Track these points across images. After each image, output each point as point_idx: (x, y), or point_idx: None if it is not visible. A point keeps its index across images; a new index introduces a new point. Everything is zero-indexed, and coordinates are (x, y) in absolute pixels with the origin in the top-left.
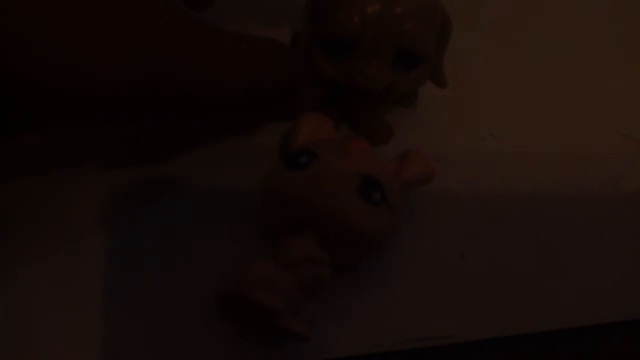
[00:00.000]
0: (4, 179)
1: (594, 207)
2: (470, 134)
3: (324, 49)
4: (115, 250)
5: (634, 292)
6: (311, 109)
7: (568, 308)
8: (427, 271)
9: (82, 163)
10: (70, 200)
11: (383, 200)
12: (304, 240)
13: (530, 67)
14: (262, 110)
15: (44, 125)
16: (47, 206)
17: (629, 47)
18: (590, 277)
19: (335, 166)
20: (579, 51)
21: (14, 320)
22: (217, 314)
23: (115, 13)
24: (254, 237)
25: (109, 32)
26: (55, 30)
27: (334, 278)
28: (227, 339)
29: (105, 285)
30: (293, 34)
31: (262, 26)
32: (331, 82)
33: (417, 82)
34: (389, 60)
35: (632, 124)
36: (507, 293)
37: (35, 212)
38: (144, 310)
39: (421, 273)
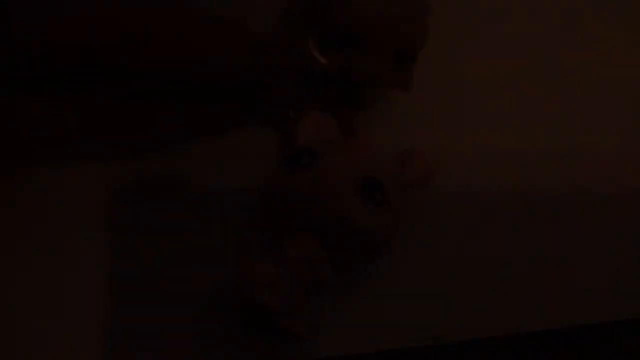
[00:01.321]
0: (4, 179)
1: (594, 207)
2: (471, 134)
3: (324, 41)
4: (115, 250)
5: (633, 292)
6: (288, 101)
7: (568, 308)
8: (427, 271)
9: (83, 163)
10: (71, 200)
11: (384, 200)
12: (305, 241)
13: (531, 67)
14: (239, 100)
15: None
16: (47, 206)
17: (629, 46)
18: (590, 276)
19: (336, 166)
20: (579, 51)
21: (15, 319)
22: (217, 314)
23: None
24: (254, 237)
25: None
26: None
27: (334, 278)
28: (228, 339)
29: (106, 284)
30: None
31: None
32: (326, 73)
33: (402, 80)
34: (387, 57)
35: (632, 122)
36: (507, 293)
37: (35, 212)
38: (144, 310)
39: (421, 273)
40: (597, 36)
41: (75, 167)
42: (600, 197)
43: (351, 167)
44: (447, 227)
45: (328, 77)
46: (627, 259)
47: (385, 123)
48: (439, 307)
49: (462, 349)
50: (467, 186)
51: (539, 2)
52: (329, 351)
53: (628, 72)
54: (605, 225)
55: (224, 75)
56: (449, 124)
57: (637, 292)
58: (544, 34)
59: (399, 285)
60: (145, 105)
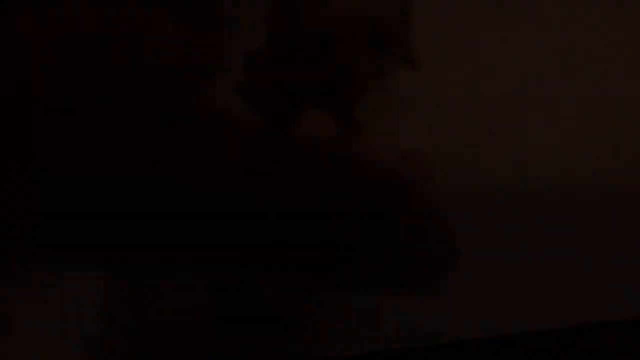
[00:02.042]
0: None
1: (594, 207)
2: (470, 132)
3: (296, 55)
4: None
5: (634, 292)
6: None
7: (568, 308)
8: None
9: None
10: None
11: None
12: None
13: (530, 66)
14: None
15: None
16: None
17: (628, 48)
18: (590, 276)
19: None
20: (578, 51)
21: (15, 318)
22: (217, 313)
23: None
24: None
25: None
26: None
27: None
28: (227, 339)
29: (106, 284)
30: (246, 54)
31: None
32: (309, 87)
33: (391, 61)
34: (364, 46)
35: (631, 123)
36: (507, 293)
37: None
38: (144, 310)
39: None
40: (597, 36)
41: None
42: (601, 197)
43: None
44: None
45: (315, 86)
46: (627, 259)
47: (385, 123)
48: (438, 307)
49: (462, 349)
50: (467, 186)
51: (540, 2)
52: (329, 351)
53: (629, 71)
54: (606, 225)
55: None
56: (448, 123)
57: (637, 292)
58: (544, 34)
59: None
60: None
